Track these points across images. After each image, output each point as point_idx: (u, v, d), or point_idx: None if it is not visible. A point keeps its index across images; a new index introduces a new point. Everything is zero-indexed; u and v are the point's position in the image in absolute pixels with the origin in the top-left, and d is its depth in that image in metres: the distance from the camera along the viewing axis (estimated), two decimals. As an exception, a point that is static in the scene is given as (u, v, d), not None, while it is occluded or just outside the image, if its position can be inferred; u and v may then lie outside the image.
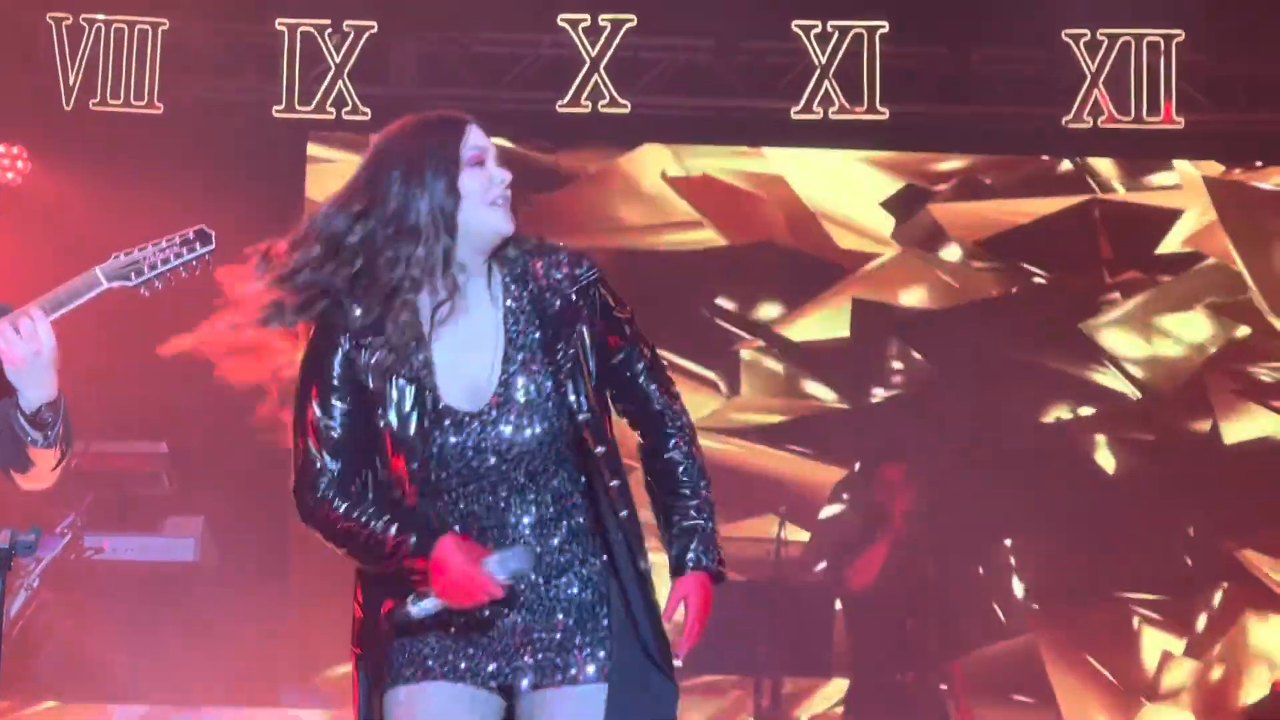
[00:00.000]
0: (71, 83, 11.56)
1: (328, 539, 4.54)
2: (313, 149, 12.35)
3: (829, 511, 12.27)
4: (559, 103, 11.63)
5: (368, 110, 11.74)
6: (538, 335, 4.60)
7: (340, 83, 11.71)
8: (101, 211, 10.84)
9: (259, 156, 11.90)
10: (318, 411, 4.53)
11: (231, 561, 11.21)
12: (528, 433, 4.55)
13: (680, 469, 4.80)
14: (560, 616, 4.56)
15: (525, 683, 4.55)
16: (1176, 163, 12.46)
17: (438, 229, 4.56)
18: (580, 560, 4.59)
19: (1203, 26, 11.67)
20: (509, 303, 4.64)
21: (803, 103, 11.74)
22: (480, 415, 4.53)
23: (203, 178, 11.29)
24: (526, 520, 4.56)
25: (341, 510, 4.50)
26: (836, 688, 11.40)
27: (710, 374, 12.36)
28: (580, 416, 4.58)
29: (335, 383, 4.53)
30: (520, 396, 4.56)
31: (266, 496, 11.81)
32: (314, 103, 11.74)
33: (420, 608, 4.43)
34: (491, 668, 4.55)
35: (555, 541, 4.58)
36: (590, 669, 4.56)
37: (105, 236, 10.08)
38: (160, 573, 10.71)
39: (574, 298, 4.64)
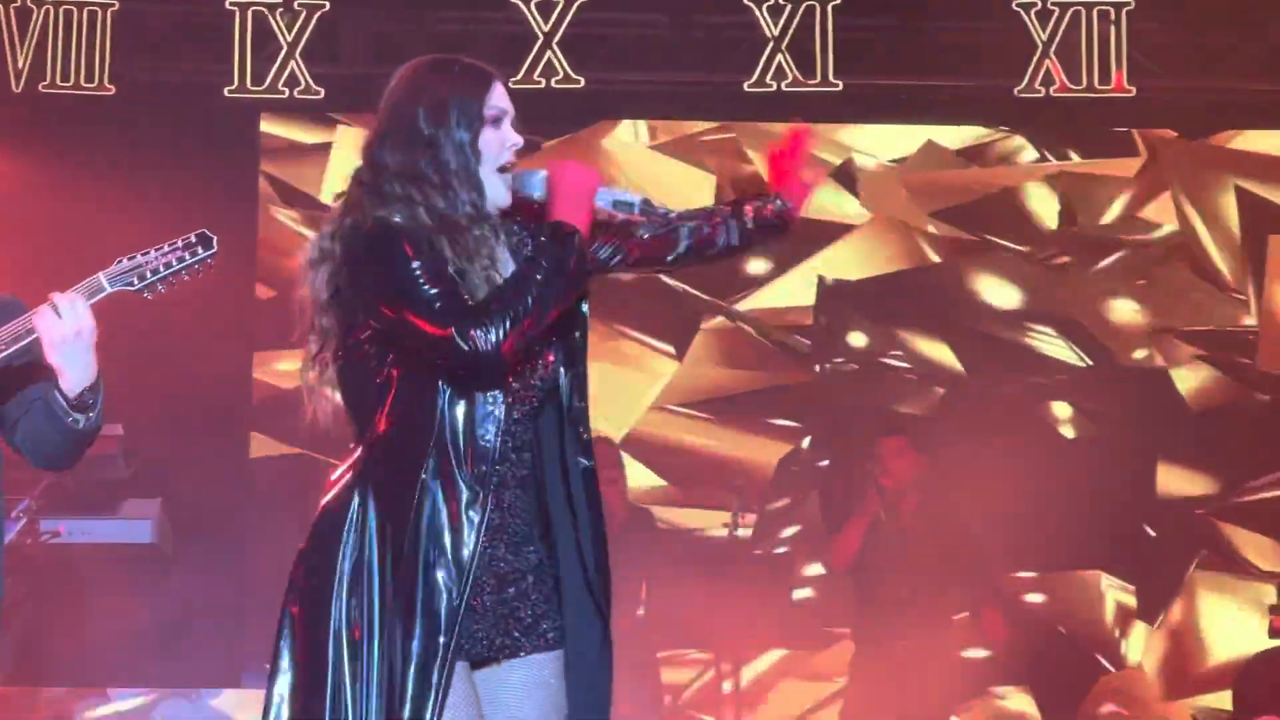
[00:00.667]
0: (20, 65, 11.52)
1: (521, 337, 4.45)
2: (265, 127, 12.35)
3: (785, 485, 12.29)
4: (512, 79, 11.60)
5: (320, 89, 11.75)
6: None
7: (292, 62, 11.71)
8: (56, 194, 10.86)
9: (212, 136, 11.93)
10: (421, 268, 4.47)
11: (189, 543, 11.23)
12: (547, 368, 4.67)
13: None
14: (530, 581, 4.62)
15: (510, 651, 4.60)
16: (1130, 130, 12.52)
17: (465, 178, 4.62)
18: (541, 527, 4.66)
19: (1154, -7, 11.77)
20: (512, 251, 4.72)
21: (755, 75, 11.77)
22: None
23: (156, 158, 11.38)
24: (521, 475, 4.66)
25: (499, 312, 4.44)
26: (791, 656, 11.49)
27: (668, 346, 12.39)
28: (574, 370, 4.72)
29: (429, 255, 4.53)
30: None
31: (224, 476, 11.88)
32: (266, 82, 11.73)
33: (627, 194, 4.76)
34: (485, 641, 4.57)
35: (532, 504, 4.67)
36: (552, 635, 4.64)
37: (60, 219, 10.14)
38: (117, 555, 10.73)
39: None
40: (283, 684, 4.55)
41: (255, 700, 9.63)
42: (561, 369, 4.70)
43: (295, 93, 11.76)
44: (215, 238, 5.22)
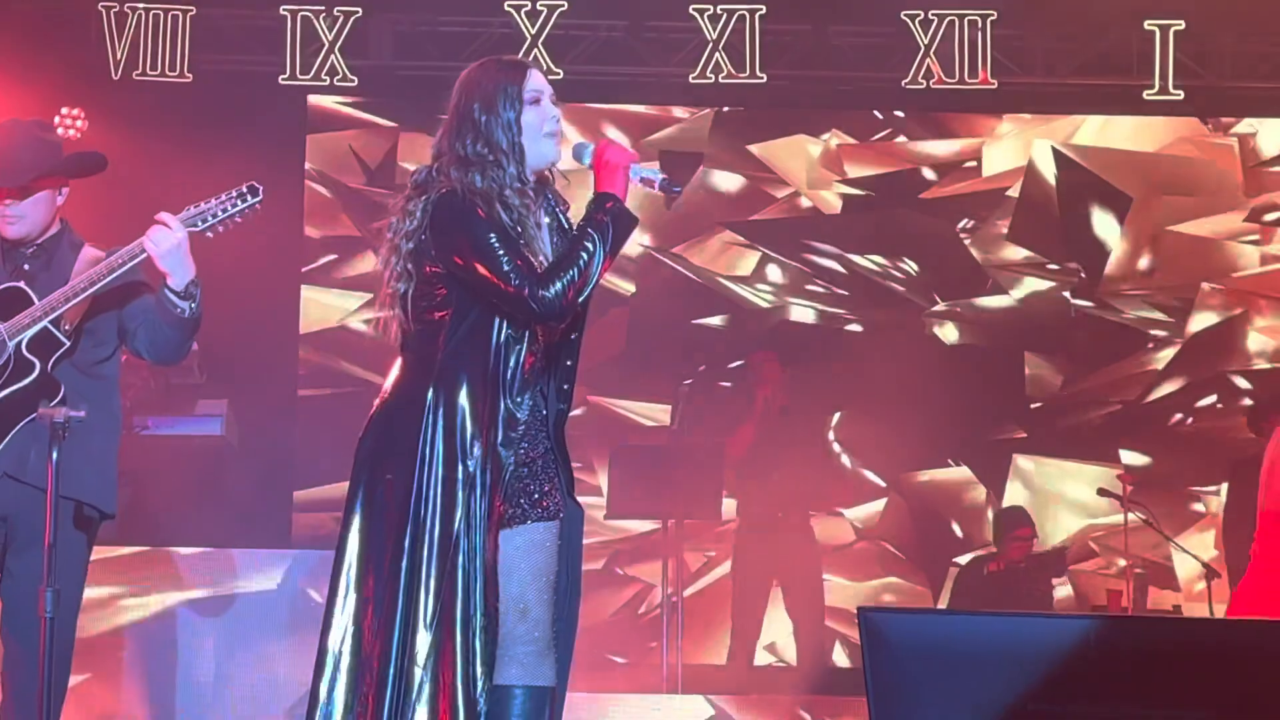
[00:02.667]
0: (118, 57, 11.60)
1: (579, 291, 4.64)
2: (311, 108, 12.42)
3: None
4: (505, 72, 11.61)
5: (354, 78, 11.81)
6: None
7: (332, 56, 11.76)
8: (145, 160, 10.91)
9: (268, 116, 11.96)
10: (498, 237, 4.64)
11: (250, 435, 11.35)
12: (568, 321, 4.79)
13: None
14: (539, 465, 4.78)
15: (519, 519, 4.70)
16: (998, 116, 12.67)
17: (511, 153, 4.72)
18: (549, 427, 4.82)
19: (1011, 7, 11.82)
20: (549, 220, 4.86)
21: (698, 70, 11.84)
22: None
23: (223, 133, 11.38)
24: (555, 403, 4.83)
25: (560, 275, 4.62)
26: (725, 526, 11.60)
27: (628, 286, 12.49)
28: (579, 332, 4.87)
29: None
30: None
31: (278, 382, 11.97)
32: (311, 72, 11.78)
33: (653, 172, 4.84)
34: (504, 511, 4.69)
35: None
36: (552, 507, 4.74)
37: (148, 180, 10.23)
38: (193, 445, 10.82)
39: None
40: (354, 542, 4.67)
41: (299, 558, 9.74)
42: (573, 332, 4.85)
43: (334, 81, 11.82)
44: (261, 188, 5.50)
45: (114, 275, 5.53)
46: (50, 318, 5.59)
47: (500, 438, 4.62)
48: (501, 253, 4.60)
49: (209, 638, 9.20)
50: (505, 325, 4.67)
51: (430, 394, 4.63)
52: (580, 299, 4.66)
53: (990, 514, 11.97)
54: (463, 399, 4.62)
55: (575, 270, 4.62)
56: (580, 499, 4.91)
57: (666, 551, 10.59)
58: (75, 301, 5.59)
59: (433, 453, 4.61)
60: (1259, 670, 3.66)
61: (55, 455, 5.27)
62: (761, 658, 11.23)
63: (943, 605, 11.60)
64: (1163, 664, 3.67)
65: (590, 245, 4.65)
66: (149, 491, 10.48)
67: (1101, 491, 11.42)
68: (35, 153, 5.83)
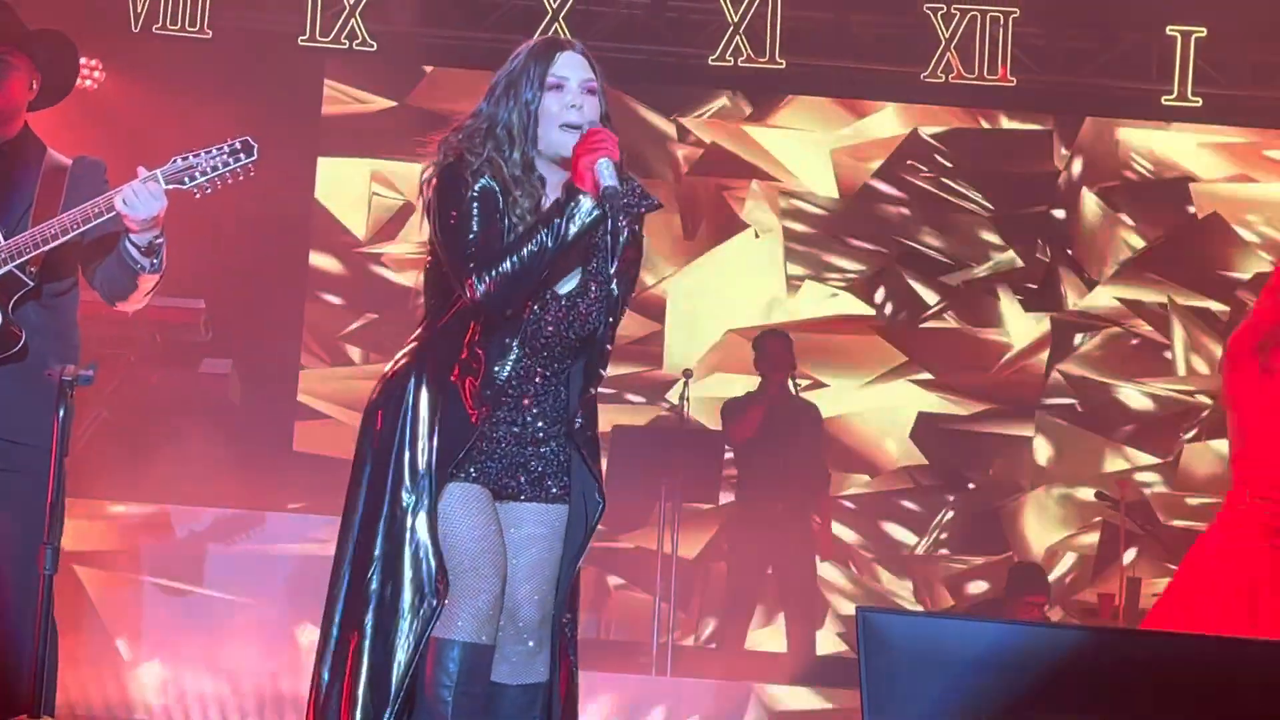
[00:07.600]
0: (139, 10, 11.55)
1: (515, 284, 4.40)
2: (329, 77, 12.37)
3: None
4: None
5: (374, 43, 11.74)
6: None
7: (353, 20, 11.70)
8: (160, 114, 10.87)
9: (285, 77, 11.93)
10: (460, 217, 4.47)
11: (252, 395, 11.33)
12: (595, 314, 4.58)
13: None
14: (548, 448, 4.63)
15: (511, 494, 4.61)
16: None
17: (519, 137, 4.54)
18: (565, 425, 4.64)
19: (1033, 5, 11.78)
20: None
21: (718, 52, 11.80)
22: (567, 296, 4.57)
23: (240, 91, 11.33)
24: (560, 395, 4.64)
25: (505, 258, 4.41)
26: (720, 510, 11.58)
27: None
28: (613, 316, 4.62)
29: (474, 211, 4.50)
30: (594, 286, 4.59)
31: (282, 344, 11.96)
32: (331, 35, 11.73)
33: (610, 176, 4.40)
34: (496, 478, 4.57)
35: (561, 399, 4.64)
36: (556, 491, 4.62)
37: (163, 135, 10.19)
38: (196, 403, 10.81)
39: (636, 226, 4.63)
40: (355, 496, 4.57)
41: (298, 520, 9.74)
42: (605, 319, 4.62)
43: (354, 45, 11.76)
44: (256, 145, 5.14)
45: (90, 225, 5.10)
46: (16, 263, 5.15)
47: (447, 441, 4.49)
48: (465, 229, 4.45)
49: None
50: (477, 322, 4.53)
51: (413, 376, 4.54)
52: (512, 293, 4.41)
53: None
54: (428, 387, 4.52)
55: (510, 262, 4.40)
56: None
57: (662, 533, 10.57)
58: (44, 250, 5.16)
59: (394, 439, 4.52)
60: (1258, 690, 3.62)
61: (62, 413, 4.93)
62: (752, 644, 11.20)
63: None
64: (1161, 679, 3.62)
65: (536, 242, 4.41)
66: (146, 445, 10.46)
67: (1099, 495, 11.40)
68: None
